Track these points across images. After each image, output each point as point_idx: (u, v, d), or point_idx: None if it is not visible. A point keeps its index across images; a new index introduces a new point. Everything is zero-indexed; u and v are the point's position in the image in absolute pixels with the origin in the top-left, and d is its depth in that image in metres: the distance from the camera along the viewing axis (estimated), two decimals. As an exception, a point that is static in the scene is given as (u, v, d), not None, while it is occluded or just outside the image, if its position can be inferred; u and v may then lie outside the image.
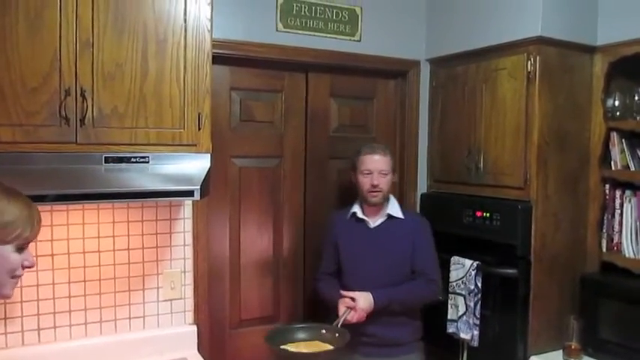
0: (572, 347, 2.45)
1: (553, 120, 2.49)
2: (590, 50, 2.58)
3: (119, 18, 1.89)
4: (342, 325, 2.23)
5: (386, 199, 2.51)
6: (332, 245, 2.56)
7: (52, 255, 2.17)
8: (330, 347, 2.15)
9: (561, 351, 2.48)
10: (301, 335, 2.26)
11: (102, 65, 1.87)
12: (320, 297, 2.57)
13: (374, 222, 2.51)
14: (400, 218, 2.51)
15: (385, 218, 2.50)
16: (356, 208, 2.54)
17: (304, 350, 2.15)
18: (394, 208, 2.52)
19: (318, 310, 2.87)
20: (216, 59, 2.25)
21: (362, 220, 2.52)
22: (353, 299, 2.30)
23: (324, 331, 2.25)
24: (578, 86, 2.58)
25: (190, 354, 2.36)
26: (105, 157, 1.90)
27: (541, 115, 2.46)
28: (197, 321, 2.46)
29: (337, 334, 2.21)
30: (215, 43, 2.14)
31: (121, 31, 1.89)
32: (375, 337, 2.39)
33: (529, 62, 2.45)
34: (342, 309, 2.31)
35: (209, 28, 2.04)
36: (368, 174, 2.45)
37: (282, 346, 2.14)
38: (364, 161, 2.48)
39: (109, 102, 1.89)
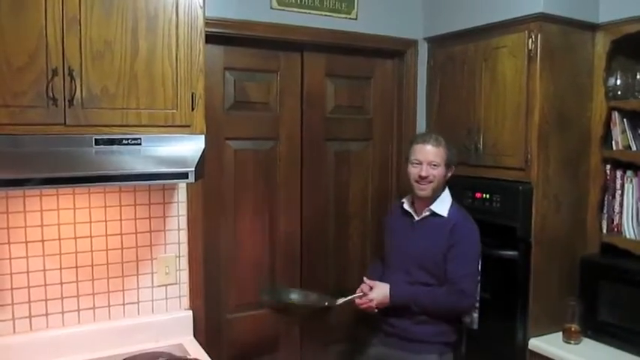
0: (572, 329, 2.44)
1: (554, 99, 2.45)
2: (593, 28, 2.52)
3: (107, -7, 1.81)
4: (344, 302, 2.37)
5: (436, 194, 2.36)
6: (384, 234, 2.59)
7: (43, 241, 2.11)
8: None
9: (561, 333, 2.47)
10: (293, 296, 2.55)
11: (90, 43, 1.80)
12: None
13: (418, 216, 2.41)
14: (442, 216, 2.35)
15: (429, 213, 2.37)
16: (405, 199, 2.48)
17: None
18: (441, 205, 2.36)
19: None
20: (210, 38, 2.19)
21: (407, 212, 2.45)
22: (371, 287, 2.35)
23: (311, 296, 2.52)
24: (580, 65, 2.53)
25: (186, 340, 2.32)
26: (95, 139, 1.84)
27: (542, 94, 2.41)
28: (193, 306, 2.42)
29: (326, 303, 2.46)
30: (208, 22, 2.08)
31: (109, 7, 1.82)
32: (395, 328, 2.36)
33: (530, 40, 2.40)
34: (358, 291, 2.38)
35: (201, 4, 1.97)
36: (417, 164, 2.34)
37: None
38: (414, 150, 2.37)
39: (99, 82, 1.82)
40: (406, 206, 2.45)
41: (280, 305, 2.44)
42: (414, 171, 2.35)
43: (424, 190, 2.34)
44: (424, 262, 2.34)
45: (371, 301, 2.32)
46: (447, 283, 2.29)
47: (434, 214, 2.37)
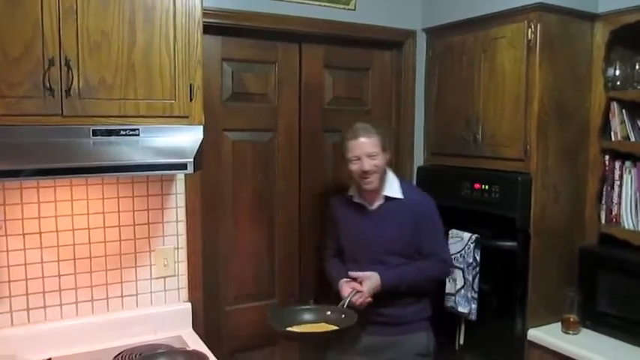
0: (571, 320, 2.44)
1: (553, 90, 2.44)
2: (592, 18, 2.51)
3: (104, -17, 1.79)
4: (347, 307, 2.19)
5: (383, 181, 2.35)
6: (334, 226, 2.49)
7: (40, 233, 2.10)
8: (336, 328, 2.10)
9: (559, 324, 2.47)
10: (306, 317, 2.20)
11: (87, 33, 1.78)
12: (327, 277, 2.49)
13: (372, 205, 2.38)
14: (399, 199, 2.35)
15: (383, 200, 2.36)
16: (353, 192, 2.43)
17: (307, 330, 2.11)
18: (392, 188, 2.36)
19: (314, 286, 2.85)
20: (207, 29, 2.17)
21: (360, 203, 2.41)
22: (359, 281, 2.25)
23: (329, 312, 2.19)
24: (579, 55, 2.52)
25: (185, 332, 2.32)
26: (93, 130, 1.82)
27: (541, 84, 2.40)
28: (191, 298, 2.42)
29: (343, 315, 2.15)
30: (206, 12, 2.06)
31: (106, -4, 1.80)
32: (381, 315, 2.31)
33: (529, 30, 2.39)
34: (346, 290, 2.25)
35: (199, -7, 1.95)
36: (356, 160, 2.28)
37: (287, 328, 2.09)
38: (349, 147, 2.28)
39: (96, 72, 1.81)
40: (357, 199, 2.40)
41: (293, 334, 2.14)
42: (355, 168, 2.28)
43: (371, 184, 2.29)
44: (394, 247, 2.33)
45: (368, 293, 2.23)
46: (428, 257, 2.33)
47: (389, 198, 2.36)
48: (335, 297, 2.32)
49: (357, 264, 2.34)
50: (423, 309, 2.40)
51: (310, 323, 2.18)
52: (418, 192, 2.47)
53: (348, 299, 2.20)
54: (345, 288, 2.26)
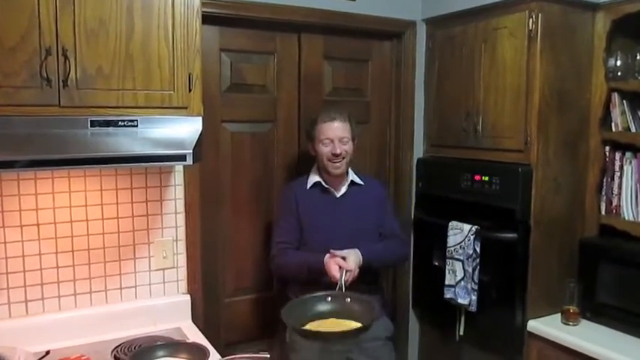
0: (571, 311, 2.44)
1: (554, 81, 2.42)
2: (593, 8, 2.49)
3: (101, -30, 1.76)
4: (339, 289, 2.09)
5: (347, 167, 2.40)
6: (293, 217, 2.38)
7: (38, 224, 2.08)
8: (357, 324, 1.88)
9: (559, 315, 2.47)
10: (322, 308, 2.00)
11: (84, 22, 1.75)
12: (290, 268, 2.36)
13: (338, 191, 2.40)
14: (361, 184, 2.45)
15: (348, 187, 2.42)
16: (317, 178, 2.40)
17: (329, 329, 1.88)
18: (354, 175, 2.45)
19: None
20: (205, 19, 2.14)
21: (326, 189, 2.40)
22: (343, 258, 2.18)
23: (348, 299, 2.02)
24: (580, 45, 2.50)
25: (184, 324, 2.31)
26: (90, 121, 1.80)
27: (542, 75, 2.39)
28: (190, 290, 2.41)
29: (362, 306, 1.98)
30: (204, 2, 2.05)
31: (103, -16, 1.77)
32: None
33: (531, 20, 2.37)
34: (334, 267, 2.15)
35: (197, -18, 1.93)
36: (329, 142, 2.32)
37: (304, 327, 1.89)
38: (323, 130, 2.33)
39: (93, 62, 1.78)
40: (325, 184, 2.39)
41: (311, 333, 1.89)
42: (325, 150, 2.33)
43: (339, 168, 2.35)
44: (364, 230, 2.38)
45: (354, 272, 2.17)
46: (390, 237, 2.44)
47: (354, 183, 2.44)
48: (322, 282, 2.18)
49: (322, 251, 2.25)
50: (383, 297, 2.54)
51: (321, 319, 1.96)
52: (373, 178, 2.62)
53: (344, 281, 2.11)
54: (332, 265, 2.16)
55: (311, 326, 1.91)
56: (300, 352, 2.23)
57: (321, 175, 2.41)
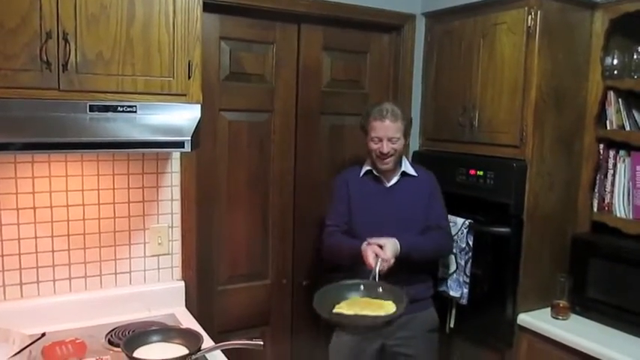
0: (561, 305, 2.47)
1: (552, 77, 2.44)
2: (592, 6, 2.51)
3: (103, -45, 1.76)
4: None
5: (397, 161, 2.40)
6: (343, 203, 2.42)
7: (34, 208, 2.09)
8: (390, 304, 1.97)
9: (549, 309, 2.50)
10: (354, 296, 2.07)
11: (85, 6, 1.75)
12: (333, 251, 2.39)
13: (389, 180, 2.42)
14: (414, 175, 2.44)
15: (400, 176, 2.42)
16: (370, 166, 2.43)
17: (361, 312, 1.95)
18: (407, 166, 2.44)
19: (307, 267, 2.87)
20: (206, 7, 2.13)
21: (378, 178, 2.42)
22: (380, 247, 2.16)
23: (380, 289, 2.06)
24: (578, 43, 2.52)
25: (178, 310, 2.32)
26: (89, 106, 1.80)
27: (540, 71, 2.40)
28: (185, 277, 2.42)
29: (380, 289, 2.05)
30: (204, -11, 2.03)
31: (105, -31, 1.77)
32: None
33: (530, 16, 2.38)
34: (370, 255, 2.14)
35: (199, -32, 1.93)
36: (378, 141, 2.32)
37: (335, 310, 1.96)
38: (374, 127, 2.32)
39: (94, 46, 1.78)
40: (376, 172, 2.42)
41: (343, 319, 1.96)
42: (374, 147, 2.34)
43: (387, 165, 2.36)
44: (411, 221, 2.37)
45: (390, 259, 2.15)
46: (436, 229, 2.41)
47: (405, 174, 2.43)
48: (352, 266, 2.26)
49: (372, 236, 2.24)
50: (429, 287, 2.49)
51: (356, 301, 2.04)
52: (424, 169, 2.54)
53: (377, 268, 2.09)
54: (369, 252, 2.15)
55: (345, 304, 2.01)
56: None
57: (373, 165, 2.42)
